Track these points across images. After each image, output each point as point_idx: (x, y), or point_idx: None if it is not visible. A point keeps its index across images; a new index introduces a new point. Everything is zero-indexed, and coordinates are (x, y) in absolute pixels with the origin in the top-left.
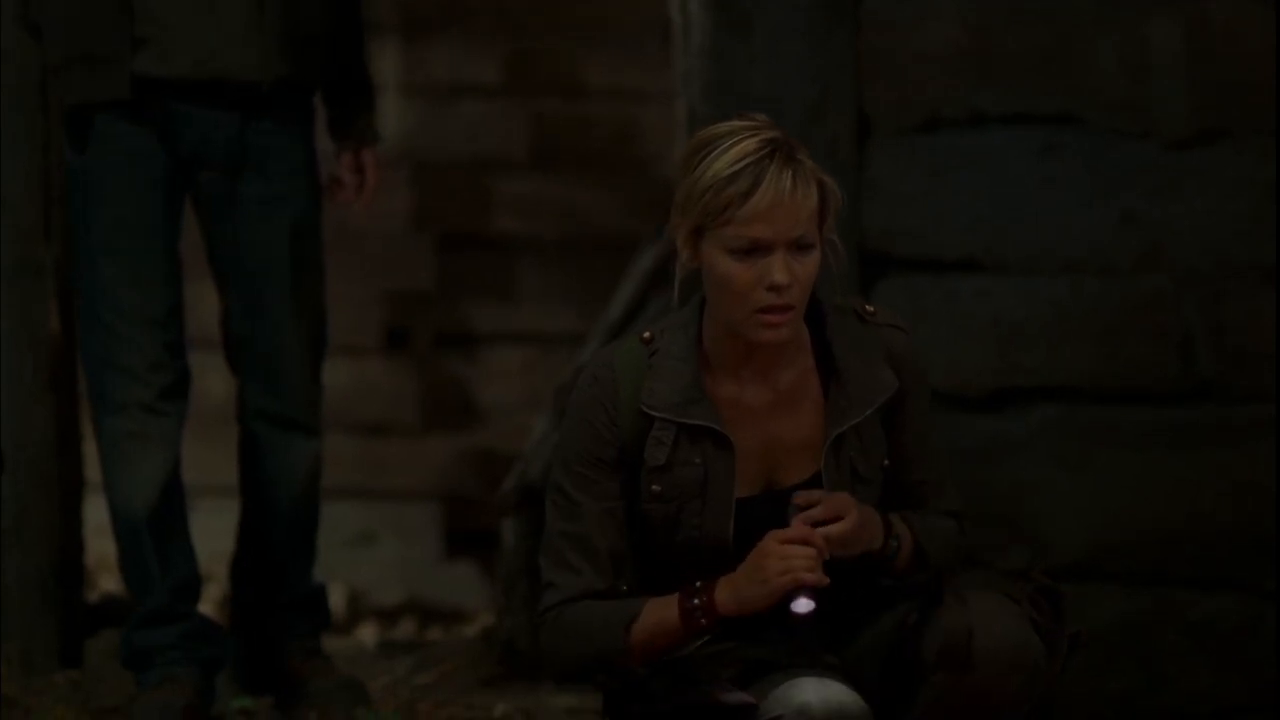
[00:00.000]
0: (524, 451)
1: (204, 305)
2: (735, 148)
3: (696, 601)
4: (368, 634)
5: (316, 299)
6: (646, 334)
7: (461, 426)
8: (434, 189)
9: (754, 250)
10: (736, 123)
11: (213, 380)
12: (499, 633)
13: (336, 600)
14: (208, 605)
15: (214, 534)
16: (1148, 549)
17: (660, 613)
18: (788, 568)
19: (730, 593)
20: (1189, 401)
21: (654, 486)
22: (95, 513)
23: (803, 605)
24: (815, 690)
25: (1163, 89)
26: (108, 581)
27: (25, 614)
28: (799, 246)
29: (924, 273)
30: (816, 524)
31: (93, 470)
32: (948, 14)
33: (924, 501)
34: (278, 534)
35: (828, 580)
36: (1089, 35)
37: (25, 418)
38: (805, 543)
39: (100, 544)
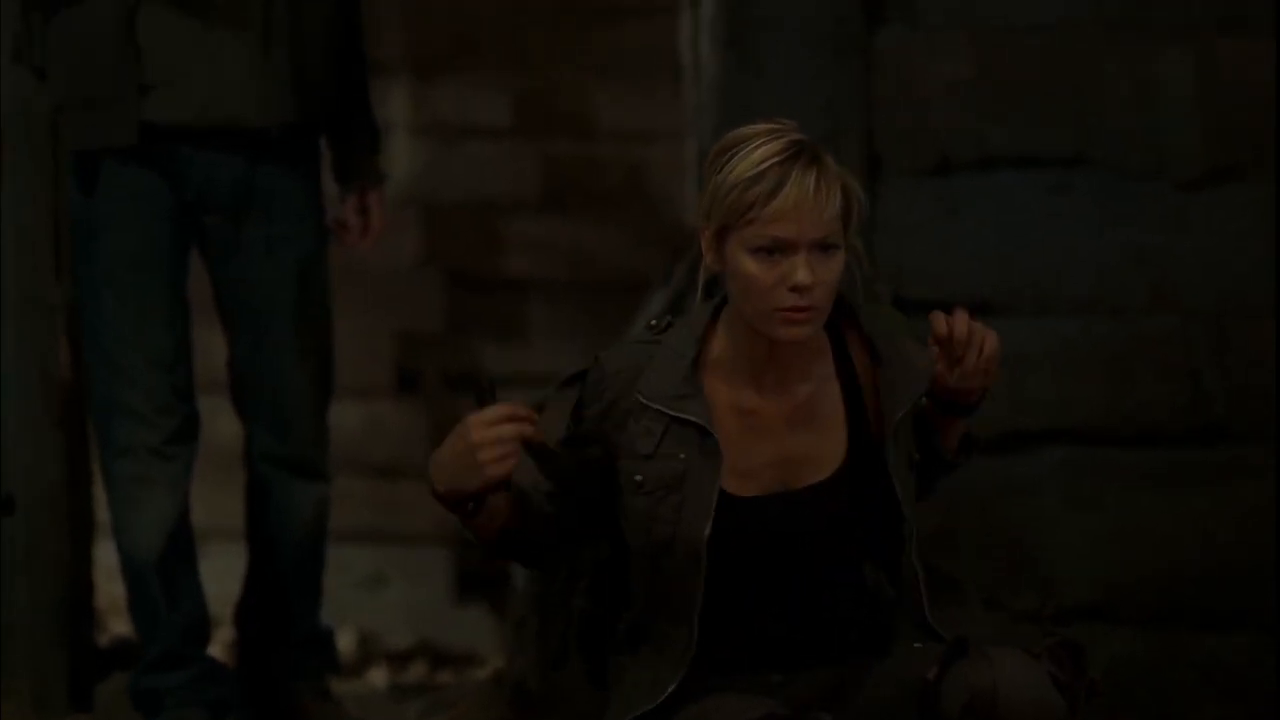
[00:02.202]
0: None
1: (213, 349)
2: (761, 149)
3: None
4: (378, 677)
5: (323, 341)
6: (653, 321)
7: None
8: (443, 230)
9: (777, 250)
10: (763, 125)
11: (222, 423)
12: (509, 675)
13: (347, 643)
14: (217, 648)
15: (224, 577)
16: (1158, 588)
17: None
18: (494, 456)
19: (443, 474)
20: (1199, 440)
21: (636, 476)
22: (106, 555)
23: None
24: None
25: (1173, 128)
26: (118, 624)
27: (36, 654)
28: (822, 248)
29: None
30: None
31: (103, 511)
32: (958, 53)
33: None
34: (284, 577)
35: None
36: (1099, 75)
37: (35, 458)
38: (510, 420)
39: (111, 586)
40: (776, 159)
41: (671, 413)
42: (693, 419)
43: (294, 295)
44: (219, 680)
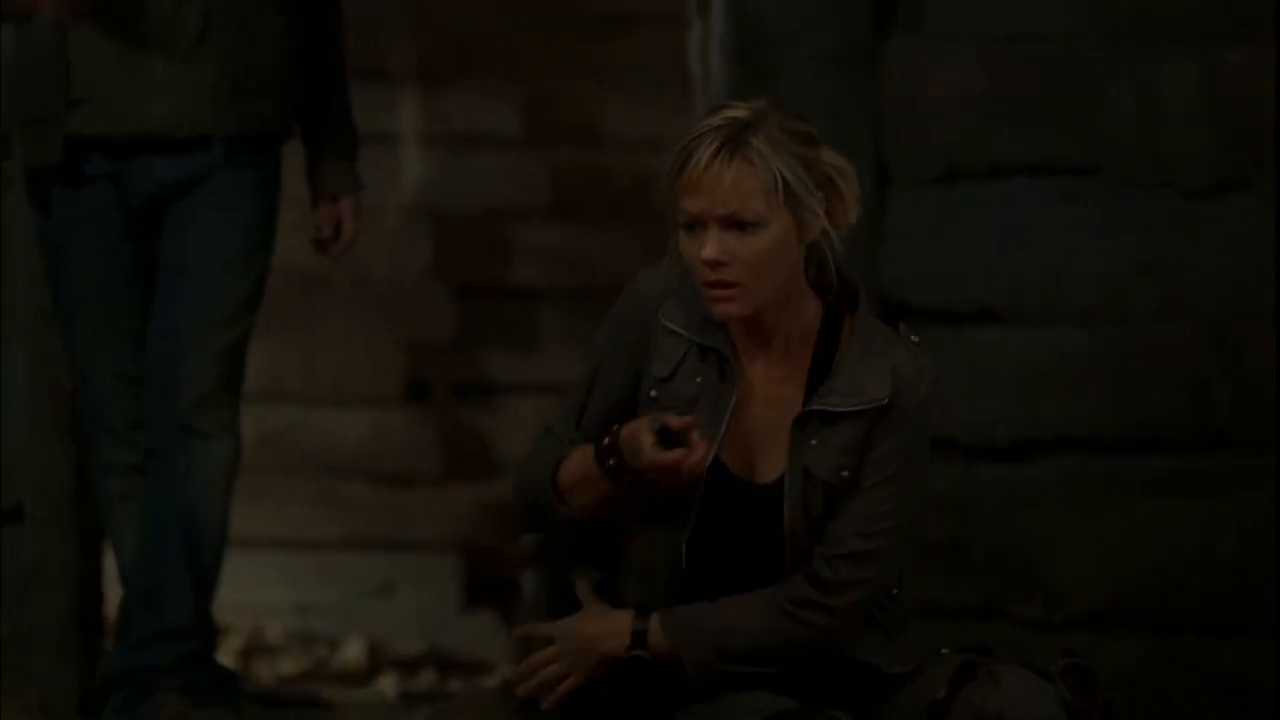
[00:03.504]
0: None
1: None
2: (700, 124)
3: (606, 441)
4: (388, 684)
5: (243, 327)
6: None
7: (481, 477)
8: (452, 239)
9: (694, 226)
10: (732, 103)
11: None
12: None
13: (357, 651)
14: (229, 655)
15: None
16: (1165, 596)
17: (581, 454)
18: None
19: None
20: (1206, 449)
21: (652, 393)
22: (115, 565)
23: None
24: None
25: (1179, 138)
26: None
27: (45, 662)
28: (737, 224)
29: (941, 322)
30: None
31: None
32: (966, 64)
33: (824, 540)
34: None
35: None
36: (1106, 85)
37: (44, 467)
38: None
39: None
40: (695, 135)
41: (694, 338)
42: (713, 345)
43: (223, 275)
44: (198, 667)
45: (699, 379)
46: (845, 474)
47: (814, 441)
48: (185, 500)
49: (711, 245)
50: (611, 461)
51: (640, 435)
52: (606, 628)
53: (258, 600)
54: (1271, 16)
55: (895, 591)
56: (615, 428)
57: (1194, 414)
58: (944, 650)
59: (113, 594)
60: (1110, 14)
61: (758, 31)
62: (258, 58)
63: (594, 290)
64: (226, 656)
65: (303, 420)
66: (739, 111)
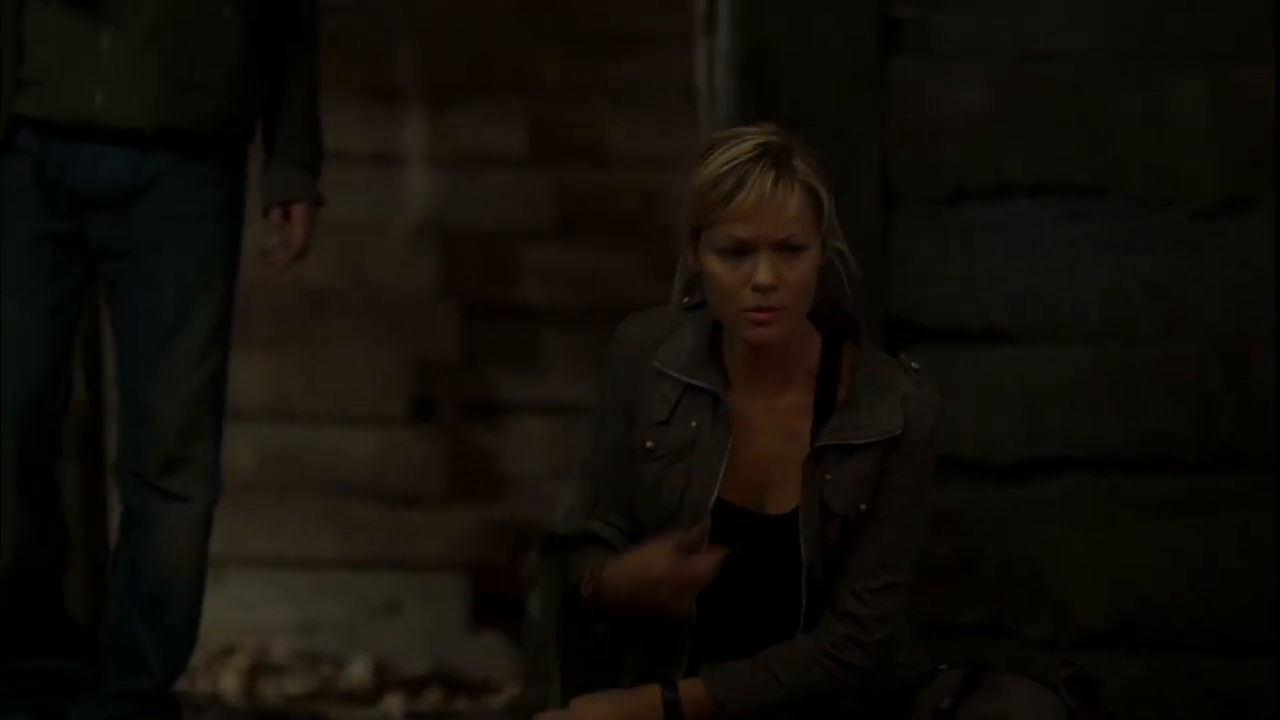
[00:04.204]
0: (550, 520)
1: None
2: (728, 151)
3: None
4: (394, 704)
5: (215, 364)
6: (687, 299)
7: (487, 496)
8: (459, 258)
9: (740, 251)
10: (742, 128)
11: (239, 450)
12: (525, 703)
13: (363, 670)
14: (232, 675)
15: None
16: (1171, 614)
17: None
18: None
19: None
20: (1214, 468)
21: (648, 443)
22: None
23: None
24: None
25: (1188, 157)
26: None
27: None
28: (788, 248)
29: (949, 342)
30: None
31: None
32: (974, 83)
33: (849, 575)
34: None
35: None
36: (1114, 104)
37: None
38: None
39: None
40: (738, 160)
41: (687, 379)
42: (706, 386)
43: (181, 307)
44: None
45: (694, 422)
46: (863, 507)
47: (829, 476)
48: (158, 568)
49: (766, 271)
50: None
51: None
52: (636, 707)
53: (263, 619)
54: None
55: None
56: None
57: (1201, 432)
58: (942, 667)
59: None
60: (1118, 34)
61: (764, 50)
62: (208, 55)
63: (600, 309)
64: (232, 675)
65: (309, 439)
66: (769, 136)
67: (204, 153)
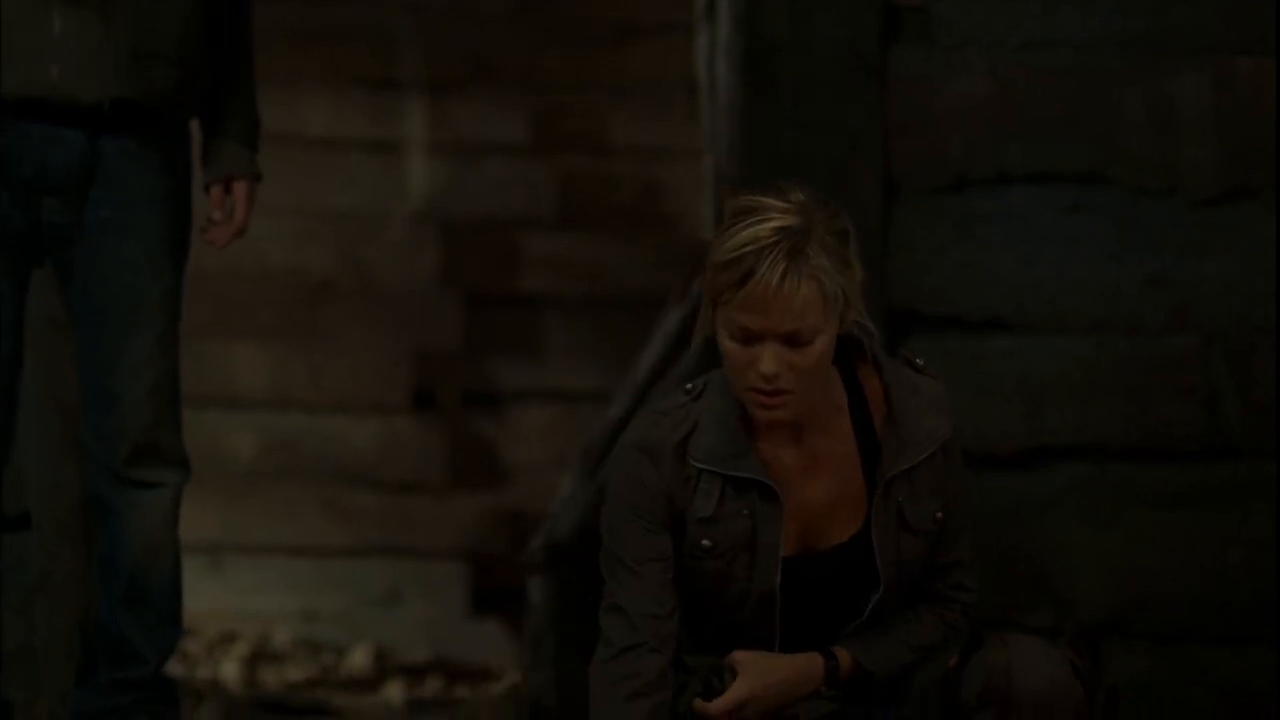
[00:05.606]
0: (551, 510)
1: (228, 362)
2: (748, 230)
3: None
4: (395, 692)
5: (167, 346)
6: (689, 385)
7: (488, 485)
8: (461, 247)
9: (748, 339)
10: (768, 200)
11: (240, 440)
12: (526, 691)
13: (364, 658)
14: (233, 663)
15: (244, 590)
16: (1175, 607)
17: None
18: None
19: None
20: (1216, 460)
21: (704, 541)
22: None
23: None
24: None
25: (1190, 147)
26: None
27: (53, 673)
28: (795, 340)
29: (950, 332)
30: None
31: None
32: (975, 73)
33: (946, 565)
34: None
35: None
36: (1116, 93)
37: (51, 477)
38: None
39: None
40: (752, 247)
41: (727, 472)
42: (750, 475)
43: (139, 293)
44: (162, 702)
45: (745, 511)
46: (939, 514)
47: (901, 498)
48: (134, 556)
49: (769, 360)
50: None
51: None
52: (802, 672)
53: (264, 607)
54: None
55: None
56: None
57: (1203, 424)
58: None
59: None
60: (1120, 24)
61: (765, 41)
62: (161, 25)
63: (602, 299)
64: (233, 663)
65: (310, 428)
66: (788, 219)
67: (153, 131)
